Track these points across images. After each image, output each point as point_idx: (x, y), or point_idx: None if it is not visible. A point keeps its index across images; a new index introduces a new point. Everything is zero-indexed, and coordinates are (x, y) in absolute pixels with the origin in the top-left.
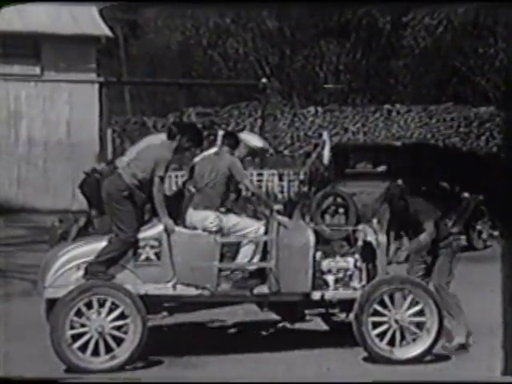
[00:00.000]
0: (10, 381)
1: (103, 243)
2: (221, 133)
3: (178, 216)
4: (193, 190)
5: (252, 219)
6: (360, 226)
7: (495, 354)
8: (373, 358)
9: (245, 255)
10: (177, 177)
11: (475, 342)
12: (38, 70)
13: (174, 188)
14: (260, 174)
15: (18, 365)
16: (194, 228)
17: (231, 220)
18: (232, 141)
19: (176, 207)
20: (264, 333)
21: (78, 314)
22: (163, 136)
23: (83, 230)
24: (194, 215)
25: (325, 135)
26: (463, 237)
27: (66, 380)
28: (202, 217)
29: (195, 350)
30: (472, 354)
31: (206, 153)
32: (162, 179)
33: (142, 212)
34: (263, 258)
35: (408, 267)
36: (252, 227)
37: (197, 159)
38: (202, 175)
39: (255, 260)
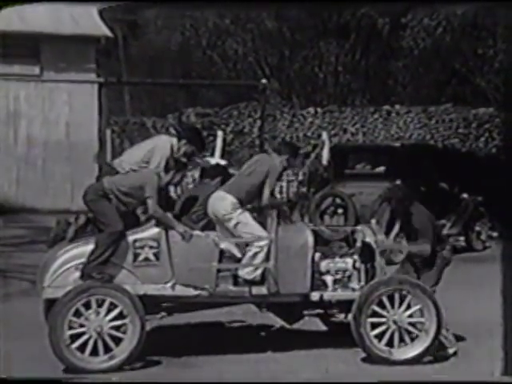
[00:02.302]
0: (10, 381)
1: None
2: (220, 133)
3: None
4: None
5: (263, 230)
6: (359, 227)
7: (494, 354)
8: (371, 358)
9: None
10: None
11: (474, 342)
12: (37, 70)
13: (179, 190)
14: None
15: (17, 365)
16: (212, 210)
17: (245, 218)
18: (286, 148)
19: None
20: (263, 333)
21: (77, 314)
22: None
23: (83, 228)
24: (216, 195)
25: (324, 136)
26: (462, 238)
27: (66, 380)
28: (220, 196)
29: (194, 350)
30: (471, 355)
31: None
32: (153, 198)
33: (135, 215)
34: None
35: (398, 268)
36: (258, 236)
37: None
38: (247, 165)
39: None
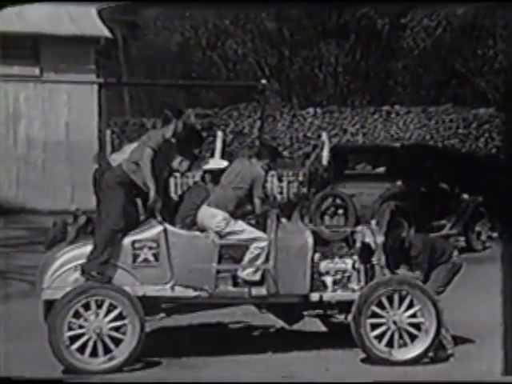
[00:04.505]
0: (11, 381)
1: None
2: (220, 133)
3: (179, 217)
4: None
5: (259, 230)
6: (359, 228)
7: (495, 355)
8: (371, 359)
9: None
10: (176, 177)
11: (475, 343)
12: (37, 71)
13: (179, 191)
14: None
15: (17, 365)
16: (202, 224)
17: (238, 226)
18: (267, 152)
19: (178, 209)
20: (262, 334)
21: (76, 315)
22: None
23: (83, 228)
24: (205, 211)
25: (324, 136)
26: (462, 238)
27: (66, 380)
28: (210, 214)
29: (194, 351)
30: (471, 355)
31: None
32: (154, 152)
33: (136, 212)
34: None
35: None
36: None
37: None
38: (229, 174)
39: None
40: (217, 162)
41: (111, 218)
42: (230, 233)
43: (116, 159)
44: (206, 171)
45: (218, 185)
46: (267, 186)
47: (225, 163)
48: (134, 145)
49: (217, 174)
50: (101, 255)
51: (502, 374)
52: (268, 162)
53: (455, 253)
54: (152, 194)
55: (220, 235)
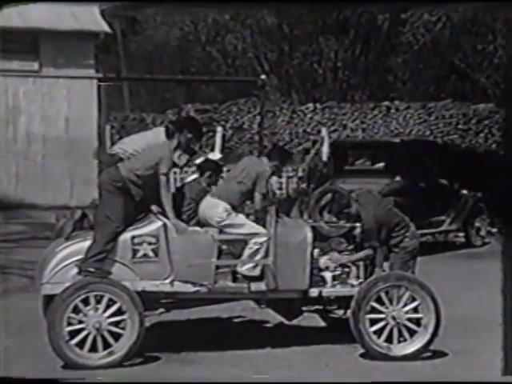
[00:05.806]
0: (11, 381)
1: None
2: (219, 129)
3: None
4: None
5: (259, 226)
6: (358, 223)
7: (494, 350)
8: (370, 354)
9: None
10: (175, 173)
11: (474, 338)
12: (36, 66)
13: (178, 184)
14: None
15: (17, 361)
16: (203, 215)
17: (239, 219)
18: (277, 155)
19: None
20: (261, 329)
21: (76, 310)
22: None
23: (79, 223)
24: (207, 202)
25: (323, 132)
26: (461, 234)
27: (66, 380)
28: (212, 204)
29: (193, 346)
30: (471, 351)
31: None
32: (167, 177)
33: (136, 208)
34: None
35: None
36: (257, 233)
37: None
38: (236, 169)
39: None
40: (214, 155)
41: (113, 221)
42: (229, 225)
43: (115, 150)
44: (199, 165)
45: (213, 178)
46: (271, 183)
47: (217, 156)
48: (136, 137)
49: (211, 168)
50: (99, 254)
51: (502, 373)
52: (277, 163)
53: (409, 233)
54: (174, 221)
55: (220, 227)
